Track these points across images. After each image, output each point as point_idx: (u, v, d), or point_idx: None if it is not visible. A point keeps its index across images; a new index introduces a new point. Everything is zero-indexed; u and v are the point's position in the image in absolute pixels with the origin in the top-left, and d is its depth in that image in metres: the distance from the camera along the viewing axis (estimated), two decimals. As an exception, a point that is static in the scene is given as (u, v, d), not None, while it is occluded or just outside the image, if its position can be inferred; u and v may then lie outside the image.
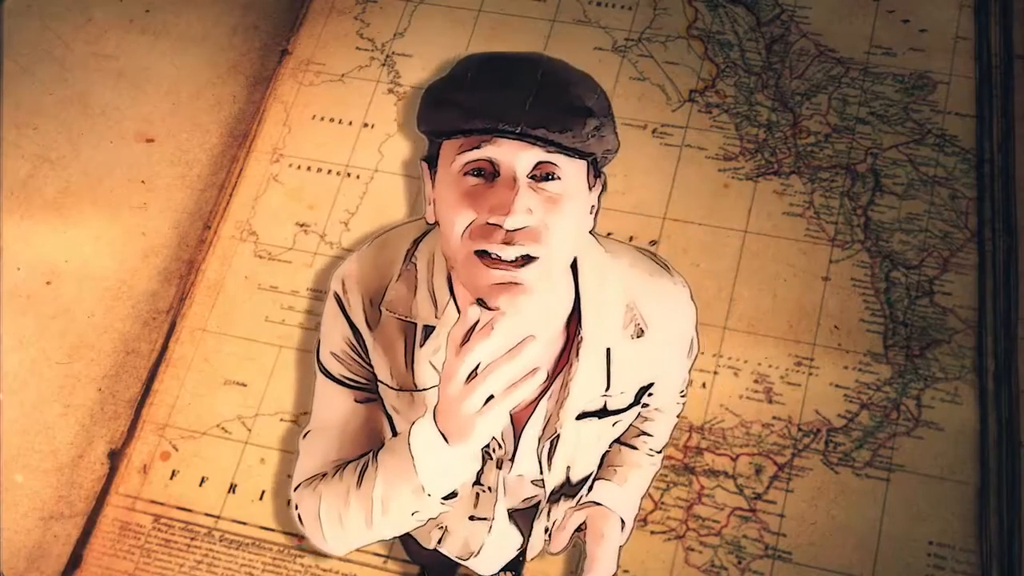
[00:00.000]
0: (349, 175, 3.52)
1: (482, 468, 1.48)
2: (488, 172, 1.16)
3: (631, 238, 3.31)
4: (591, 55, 3.61)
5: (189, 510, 3.09)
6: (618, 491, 1.65)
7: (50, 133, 3.69)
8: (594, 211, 1.27)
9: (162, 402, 3.24)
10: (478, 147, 1.15)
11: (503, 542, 1.76)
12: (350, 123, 3.60)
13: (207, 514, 3.08)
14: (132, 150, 3.66)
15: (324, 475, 1.45)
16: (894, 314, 3.15)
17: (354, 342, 1.39)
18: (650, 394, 1.46)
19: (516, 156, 1.12)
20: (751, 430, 3.04)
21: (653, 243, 3.30)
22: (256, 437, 3.16)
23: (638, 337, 1.36)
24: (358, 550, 2.95)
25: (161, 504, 3.11)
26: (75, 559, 3.07)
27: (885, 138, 3.38)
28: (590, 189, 1.24)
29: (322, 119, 3.63)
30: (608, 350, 1.35)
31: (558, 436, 1.38)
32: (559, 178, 1.16)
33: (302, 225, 3.45)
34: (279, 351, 3.27)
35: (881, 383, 3.06)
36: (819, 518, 2.93)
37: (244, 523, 3.05)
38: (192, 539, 3.05)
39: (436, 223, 1.27)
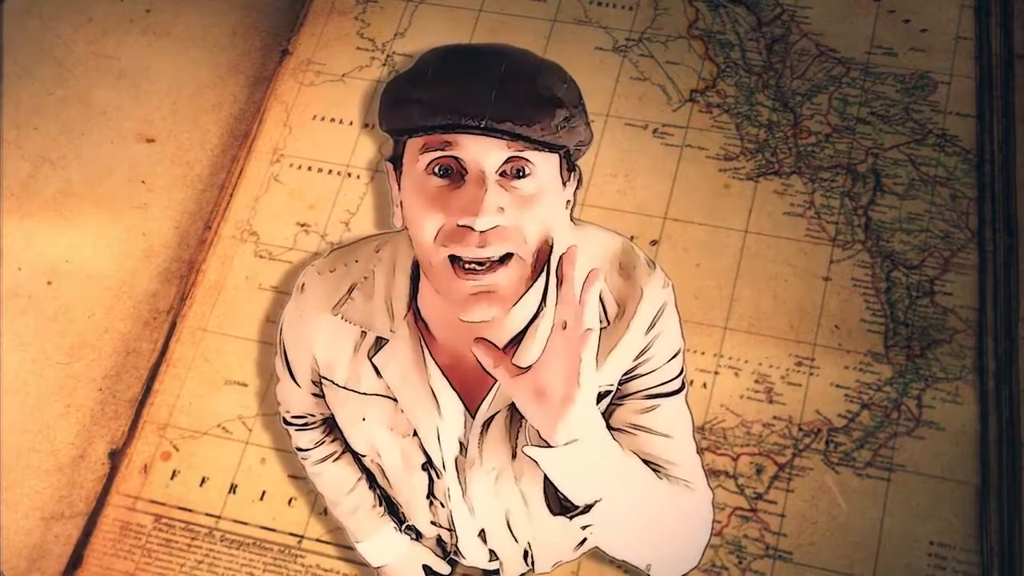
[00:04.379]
0: (350, 175, 3.52)
1: (431, 483, 1.49)
2: (455, 171, 1.11)
3: (632, 238, 3.30)
4: (592, 55, 3.61)
5: (190, 510, 3.09)
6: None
7: (51, 133, 3.69)
8: (569, 206, 1.21)
9: (163, 402, 3.24)
10: (442, 146, 1.09)
11: (477, 554, 1.73)
12: (351, 123, 3.60)
13: (208, 514, 3.08)
14: (133, 150, 3.66)
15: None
16: (895, 314, 3.15)
17: (301, 344, 1.42)
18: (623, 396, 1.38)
19: (483, 153, 1.06)
20: (752, 430, 3.03)
21: (654, 243, 3.30)
22: (257, 437, 3.16)
23: (601, 327, 1.29)
24: (351, 549, 2.96)
25: (162, 504, 3.11)
26: (76, 559, 3.07)
27: (886, 138, 3.38)
28: (564, 184, 1.18)
29: (323, 119, 3.63)
30: None
31: (491, 419, 1.35)
32: (530, 174, 1.10)
33: (303, 225, 3.45)
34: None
35: (882, 383, 3.06)
36: (820, 518, 2.93)
37: (245, 523, 3.05)
38: (193, 539, 3.05)
39: (404, 228, 1.22)
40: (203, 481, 3.12)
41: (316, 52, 3.77)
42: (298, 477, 3.10)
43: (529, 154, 1.09)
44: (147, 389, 3.29)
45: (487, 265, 1.08)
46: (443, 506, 1.54)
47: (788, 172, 3.37)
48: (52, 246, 3.49)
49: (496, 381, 1.31)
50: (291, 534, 3.03)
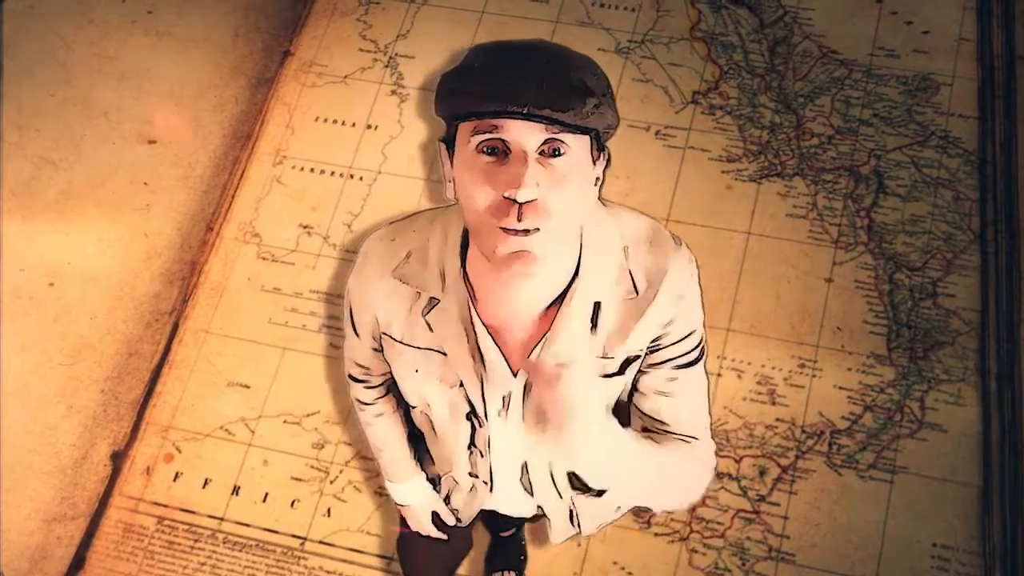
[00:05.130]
0: (352, 177, 3.52)
1: (473, 433, 1.65)
2: (501, 150, 1.27)
3: (634, 240, 3.31)
4: (594, 56, 3.58)
5: (192, 512, 3.09)
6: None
7: (52, 134, 3.69)
8: (599, 183, 1.38)
9: (165, 404, 3.24)
10: (490, 129, 1.26)
11: (516, 500, 1.86)
12: (353, 125, 3.60)
13: (211, 516, 3.08)
14: (134, 151, 3.66)
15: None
16: (897, 316, 3.15)
17: (364, 303, 1.59)
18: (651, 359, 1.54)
19: (525, 135, 1.24)
20: (755, 432, 3.04)
21: (656, 245, 3.30)
22: (259, 439, 3.16)
23: (632, 296, 1.46)
24: (361, 551, 2.97)
25: (164, 506, 3.11)
26: (78, 561, 3.07)
27: (888, 140, 3.38)
28: (594, 163, 1.34)
29: (325, 121, 3.63)
30: (597, 303, 1.45)
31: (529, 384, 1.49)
32: (565, 153, 1.26)
33: (305, 227, 3.45)
34: (283, 353, 3.27)
35: (885, 385, 3.06)
36: (822, 520, 2.93)
37: (248, 525, 3.06)
38: (196, 541, 3.05)
39: (455, 199, 1.39)
40: (206, 483, 3.12)
41: (318, 54, 3.77)
42: (301, 479, 3.10)
43: (564, 136, 1.26)
44: (149, 391, 3.29)
45: (527, 232, 1.25)
46: (482, 456, 1.69)
47: (791, 174, 3.37)
48: (54, 247, 3.49)
49: (537, 344, 1.47)
50: (294, 536, 3.03)
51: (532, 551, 2.96)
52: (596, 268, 1.44)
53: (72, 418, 3.23)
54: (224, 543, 3.04)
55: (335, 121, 3.62)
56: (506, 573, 2.95)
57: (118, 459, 3.20)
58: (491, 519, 2.89)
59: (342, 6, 3.88)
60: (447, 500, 1.95)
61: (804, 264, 3.24)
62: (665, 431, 1.57)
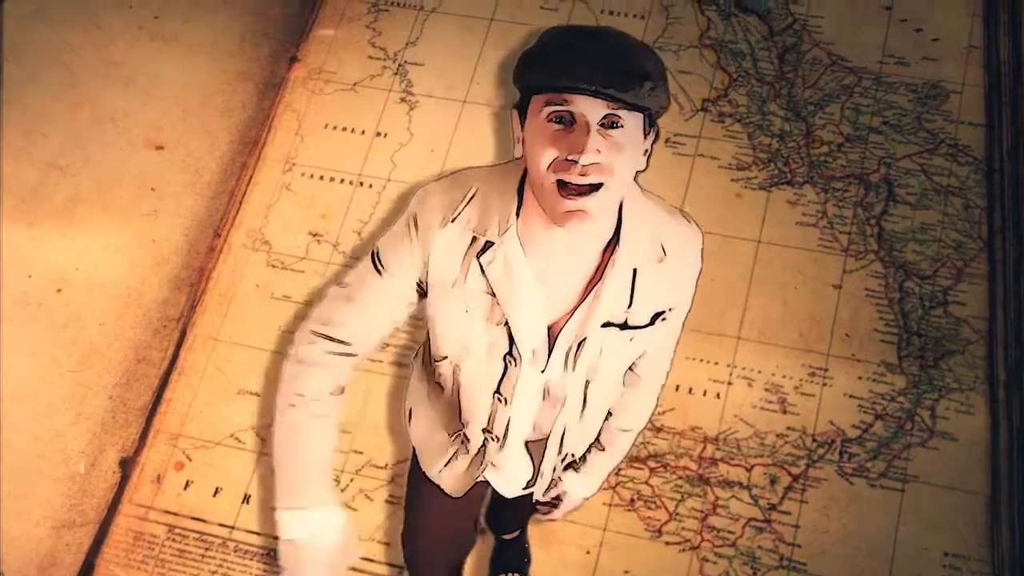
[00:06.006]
0: (362, 184, 3.51)
1: (503, 376, 1.77)
2: (567, 120, 1.47)
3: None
4: (603, 64, 3.61)
5: (203, 520, 3.09)
6: (583, 480, 2.16)
7: (59, 140, 3.68)
8: (647, 154, 1.57)
9: (175, 411, 3.24)
10: (560, 102, 1.46)
11: (517, 466, 2.01)
12: (363, 132, 3.60)
13: (221, 524, 3.08)
14: (142, 157, 3.65)
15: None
16: (908, 324, 3.15)
17: (416, 247, 1.67)
18: (661, 318, 1.76)
19: (589, 108, 1.44)
20: (765, 440, 3.04)
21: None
22: (270, 447, 3.15)
23: (659, 262, 1.66)
24: (372, 560, 2.96)
25: (175, 514, 3.11)
26: (87, 568, 3.07)
27: (898, 148, 3.39)
28: (645, 137, 1.54)
29: (334, 128, 3.63)
30: (634, 271, 1.64)
31: (584, 340, 1.68)
32: (622, 126, 1.46)
33: (315, 235, 3.45)
34: (293, 361, 3.27)
35: (895, 393, 3.06)
36: (833, 528, 2.94)
37: (258, 533, 3.06)
38: (206, 549, 3.04)
39: (520, 157, 1.60)
40: (216, 491, 3.12)
41: (327, 60, 3.76)
42: (311, 487, 3.10)
43: (621, 112, 1.46)
44: (157, 397, 3.29)
45: (584, 190, 1.45)
46: (506, 403, 1.80)
47: (800, 182, 3.37)
48: (61, 253, 3.48)
49: (579, 306, 1.67)
50: (305, 544, 3.03)
51: (541, 560, 2.97)
52: (634, 238, 1.63)
53: (81, 425, 3.23)
54: (235, 552, 3.04)
55: (344, 128, 3.62)
56: (510, 575, 2.97)
57: (127, 466, 3.19)
58: (496, 521, 2.90)
59: (350, 12, 3.87)
60: (448, 464, 2.00)
61: (814, 272, 3.25)
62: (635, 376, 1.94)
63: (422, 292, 1.74)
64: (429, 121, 3.59)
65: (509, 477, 2.05)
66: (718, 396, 3.11)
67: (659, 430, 3.07)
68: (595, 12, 3.72)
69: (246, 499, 3.10)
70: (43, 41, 3.87)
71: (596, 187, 1.47)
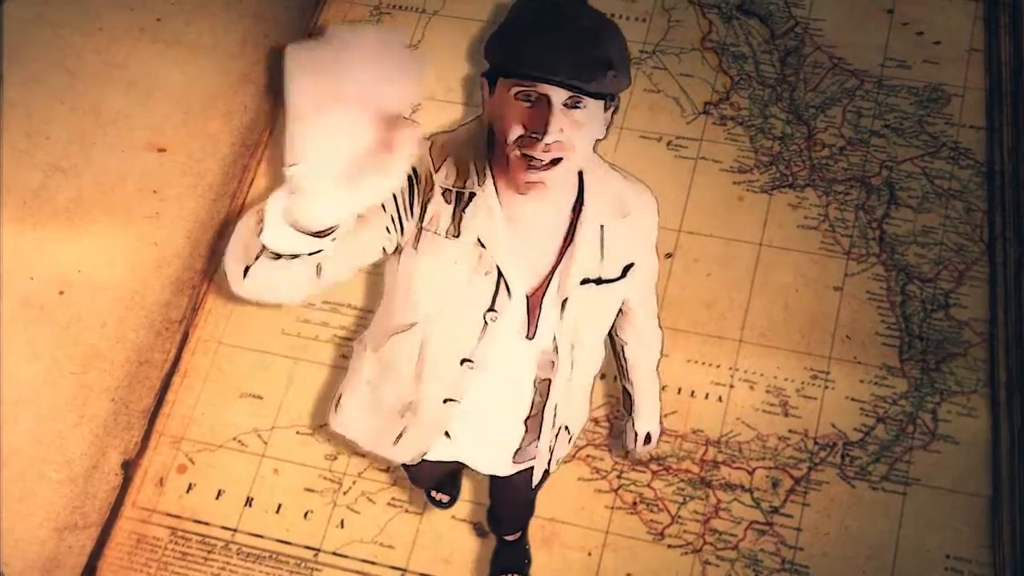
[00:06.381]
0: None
1: (479, 340, 1.81)
2: (533, 98, 1.54)
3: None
4: (605, 66, 3.62)
5: (206, 523, 3.09)
6: (646, 423, 2.39)
7: (61, 142, 3.68)
8: (606, 123, 1.64)
9: (177, 413, 3.25)
10: (528, 85, 1.53)
11: (495, 436, 2.06)
12: (365, 135, 3.60)
13: (224, 527, 3.08)
14: (143, 159, 3.65)
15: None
16: (910, 327, 3.16)
17: (415, 183, 1.71)
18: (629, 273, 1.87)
19: (554, 93, 1.52)
20: (767, 443, 3.04)
21: (668, 256, 3.31)
22: (272, 450, 3.17)
23: (624, 218, 1.77)
24: (374, 563, 2.97)
25: (177, 517, 3.11)
26: (89, 570, 3.08)
27: (900, 151, 3.39)
28: (605, 111, 1.61)
29: (337, 131, 3.62)
30: (602, 227, 1.75)
31: (567, 300, 1.77)
32: (584, 107, 1.54)
33: (318, 237, 3.45)
34: (295, 364, 3.28)
35: (897, 396, 3.07)
36: (835, 531, 2.94)
37: (261, 536, 3.06)
38: (209, 552, 3.05)
39: (484, 119, 1.70)
40: (219, 494, 3.13)
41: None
42: (314, 490, 3.11)
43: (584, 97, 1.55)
44: (160, 400, 3.30)
45: (544, 164, 1.55)
46: (472, 370, 1.84)
47: (802, 185, 3.38)
48: (64, 256, 3.48)
49: (556, 268, 1.76)
50: (307, 547, 3.03)
51: (543, 562, 2.97)
52: (598, 198, 1.75)
53: (83, 427, 3.23)
54: (238, 554, 3.04)
55: (347, 131, 3.62)
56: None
57: (129, 468, 3.20)
58: (497, 522, 2.92)
59: (352, 14, 3.88)
60: (398, 440, 2.03)
61: (815, 275, 3.25)
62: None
63: (397, 246, 1.73)
64: (430, 123, 3.57)
65: (489, 452, 2.13)
66: (720, 399, 3.12)
67: (661, 433, 3.07)
68: (597, 15, 3.72)
69: (249, 502, 3.11)
70: (45, 43, 3.88)
71: (557, 161, 1.57)
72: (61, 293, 3.41)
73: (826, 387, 3.11)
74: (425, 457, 2.07)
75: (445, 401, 1.90)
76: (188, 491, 3.14)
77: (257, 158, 3.64)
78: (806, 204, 3.35)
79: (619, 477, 3.04)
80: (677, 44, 3.65)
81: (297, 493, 3.11)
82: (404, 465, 2.41)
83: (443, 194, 1.70)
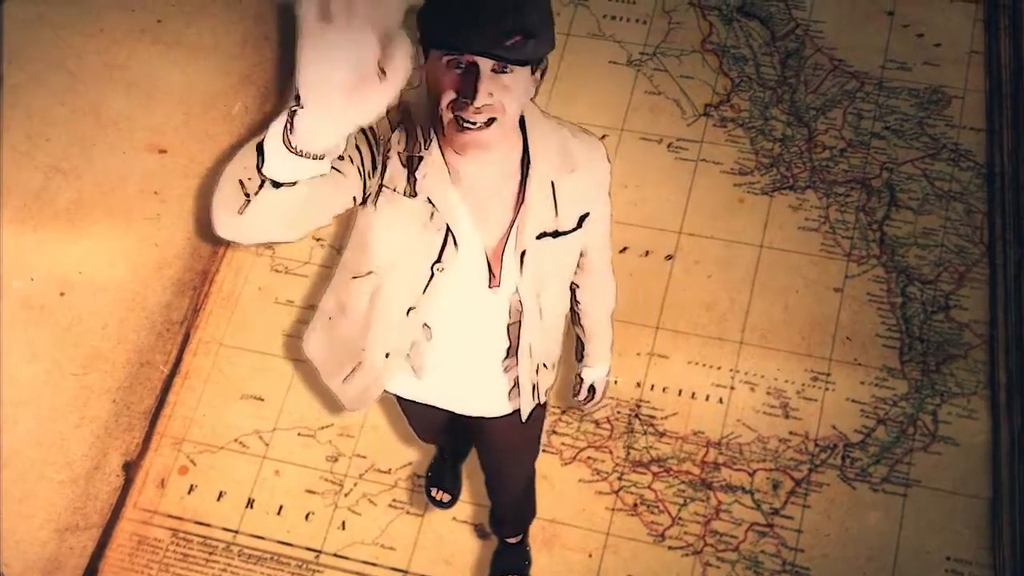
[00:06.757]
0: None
1: (425, 289, 1.91)
2: (463, 65, 1.62)
3: (647, 252, 3.33)
4: (605, 68, 3.62)
5: (207, 524, 3.09)
6: (595, 370, 2.43)
7: (62, 143, 3.68)
8: (536, 84, 1.74)
9: (178, 415, 3.25)
10: (457, 55, 1.62)
11: (474, 384, 2.18)
12: (366, 136, 3.60)
13: (225, 528, 3.08)
14: (144, 161, 3.66)
15: None
16: (910, 329, 3.16)
17: (374, 144, 1.78)
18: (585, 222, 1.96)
19: (482, 60, 1.60)
20: (768, 445, 3.05)
21: (669, 258, 3.31)
22: (274, 452, 3.17)
23: (572, 172, 1.86)
24: (376, 564, 2.97)
25: (179, 518, 3.11)
26: (91, 572, 3.08)
27: (900, 153, 3.40)
28: (532, 74, 1.70)
29: (338, 132, 3.62)
30: (552, 183, 1.84)
31: (525, 252, 1.87)
32: (511, 71, 1.63)
33: (318, 239, 3.46)
34: (296, 365, 3.28)
35: (898, 398, 3.07)
36: (836, 533, 2.94)
37: (262, 538, 3.06)
38: (210, 554, 3.05)
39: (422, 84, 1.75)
40: (220, 495, 3.13)
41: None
42: (315, 492, 3.11)
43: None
44: (161, 401, 3.30)
45: (478, 126, 1.64)
46: (417, 322, 1.97)
47: (803, 187, 3.38)
48: (65, 257, 3.49)
49: (513, 223, 1.86)
50: (308, 549, 3.04)
51: (544, 563, 2.98)
52: (544, 153, 1.84)
53: (84, 428, 3.23)
54: (239, 556, 3.04)
55: (348, 133, 3.62)
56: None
57: (130, 469, 3.20)
58: (499, 524, 2.94)
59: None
60: (346, 380, 2.15)
61: (816, 277, 3.26)
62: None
63: (363, 195, 1.80)
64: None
65: (472, 396, 2.24)
66: (721, 400, 3.12)
67: (662, 435, 3.09)
68: (597, 17, 3.73)
69: (250, 503, 3.11)
70: (46, 45, 3.88)
71: (490, 121, 1.66)
72: (62, 294, 3.42)
73: (827, 389, 3.11)
74: (406, 396, 2.25)
75: (387, 355, 2.05)
76: (189, 492, 3.14)
77: (258, 159, 3.63)
78: (807, 206, 3.35)
79: (620, 479, 3.04)
80: (678, 46, 3.66)
81: (298, 495, 3.11)
82: (406, 414, 2.57)
83: (398, 155, 1.79)
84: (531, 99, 1.78)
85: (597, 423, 3.12)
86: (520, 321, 2.02)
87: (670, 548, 2.96)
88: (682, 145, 3.49)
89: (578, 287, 2.21)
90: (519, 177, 1.86)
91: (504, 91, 1.64)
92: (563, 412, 3.15)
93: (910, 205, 3.32)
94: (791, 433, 3.06)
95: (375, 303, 1.97)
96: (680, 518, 2.98)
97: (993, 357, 3.12)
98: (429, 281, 1.90)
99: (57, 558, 3.08)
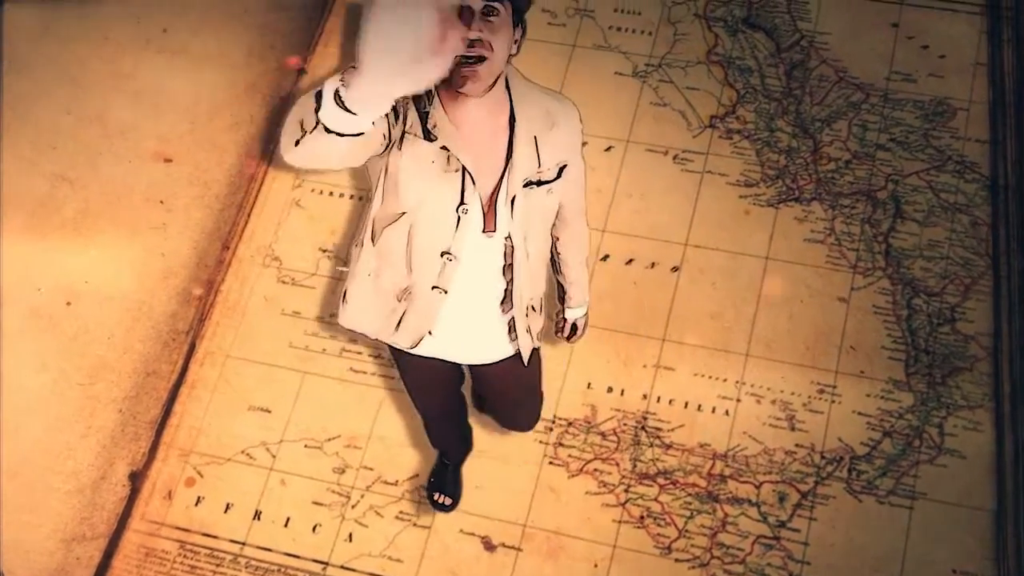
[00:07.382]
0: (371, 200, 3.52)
1: (455, 233, 2.12)
2: (463, 10, 1.85)
3: (653, 264, 3.33)
4: (611, 80, 3.63)
5: (214, 536, 3.10)
6: (576, 310, 2.69)
7: (68, 153, 3.69)
8: (517, 43, 1.98)
9: (185, 425, 3.25)
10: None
11: (478, 331, 2.36)
12: (372, 147, 3.61)
13: (232, 540, 3.09)
14: (150, 170, 3.66)
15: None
16: (916, 341, 3.17)
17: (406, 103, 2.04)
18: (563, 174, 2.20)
19: (475, 2, 1.87)
20: (774, 458, 3.05)
21: (675, 270, 3.32)
22: (281, 463, 3.17)
23: (552, 129, 2.10)
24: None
25: (186, 530, 3.12)
26: (98, 582, 3.09)
27: (905, 165, 3.40)
28: (514, 28, 1.95)
29: (344, 143, 3.63)
30: (535, 138, 2.08)
31: (515, 198, 2.09)
32: (498, 14, 1.89)
33: (325, 251, 3.46)
34: (303, 377, 3.28)
35: (903, 411, 3.08)
36: (842, 545, 2.95)
37: (270, 549, 3.07)
38: (218, 566, 3.06)
39: None
40: (227, 507, 3.13)
41: (334, 74, 3.76)
42: (322, 504, 3.11)
43: (496, 3, 1.90)
44: (167, 411, 3.30)
45: (472, 61, 1.87)
46: (452, 261, 2.15)
47: (808, 198, 3.39)
48: (71, 267, 3.49)
49: (504, 172, 2.09)
50: (316, 560, 3.04)
51: (550, 574, 2.99)
52: (527, 111, 2.07)
53: (90, 438, 3.24)
54: (246, 568, 3.05)
55: (354, 144, 3.63)
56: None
57: (136, 479, 3.20)
58: (511, 421, 3.00)
59: (356, 25, 3.88)
60: (398, 326, 2.30)
61: (822, 289, 3.26)
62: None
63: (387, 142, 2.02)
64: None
65: (475, 343, 2.40)
66: (727, 413, 3.13)
67: (668, 447, 3.09)
68: (603, 28, 3.73)
69: (257, 515, 3.12)
70: (52, 55, 3.88)
71: (481, 60, 1.89)
72: (68, 304, 3.42)
73: (833, 401, 3.12)
74: (416, 351, 2.35)
75: (433, 288, 2.21)
76: (196, 504, 3.15)
77: (263, 169, 3.64)
78: (812, 218, 3.36)
79: (626, 491, 3.05)
80: (683, 57, 3.66)
81: (305, 506, 3.12)
82: (409, 381, 2.66)
83: (414, 106, 2.02)
84: (512, 56, 2.00)
85: (603, 435, 3.12)
86: (512, 264, 2.22)
87: (676, 560, 2.96)
88: (688, 156, 3.49)
89: (558, 239, 2.45)
90: (507, 135, 2.10)
91: (492, 31, 1.89)
92: (569, 424, 3.15)
93: (915, 217, 3.32)
94: (797, 445, 3.07)
95: (412, 244, 2.15)
96: (687, 530, 2.99)
97: (997, 369, 3.13)
98: (457, 223, 2.11)
99: (64, 568, 3.09)
